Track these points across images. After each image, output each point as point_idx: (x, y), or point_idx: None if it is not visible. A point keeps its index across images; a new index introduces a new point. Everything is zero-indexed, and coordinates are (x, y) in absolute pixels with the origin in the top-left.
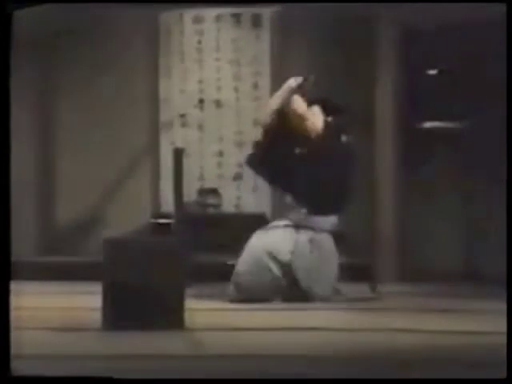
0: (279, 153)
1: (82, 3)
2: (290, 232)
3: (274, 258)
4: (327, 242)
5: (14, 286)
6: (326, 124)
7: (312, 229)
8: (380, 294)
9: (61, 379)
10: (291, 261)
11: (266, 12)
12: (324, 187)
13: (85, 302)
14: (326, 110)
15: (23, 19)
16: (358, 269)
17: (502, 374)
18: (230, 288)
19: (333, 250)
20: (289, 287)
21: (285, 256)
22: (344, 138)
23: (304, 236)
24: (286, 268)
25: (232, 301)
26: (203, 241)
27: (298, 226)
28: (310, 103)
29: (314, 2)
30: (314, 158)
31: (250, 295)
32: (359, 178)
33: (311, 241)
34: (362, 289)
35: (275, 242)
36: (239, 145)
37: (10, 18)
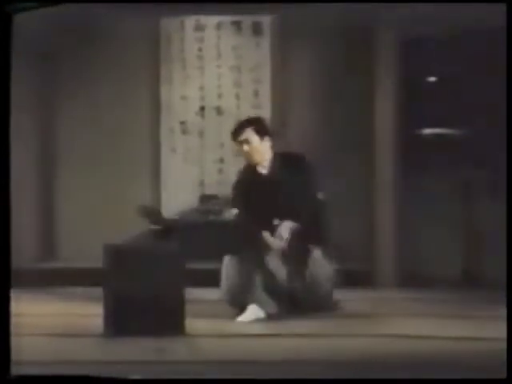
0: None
1: (82, 4)
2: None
3: (267, 271)
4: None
5: (15, 293)
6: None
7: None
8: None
9: (61, 379)
10: (284, 273)
11: (267, 19)
12: (292, 208)
13: (86, 308)
14: (261, 130)
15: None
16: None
17: (502, 375)
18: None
19: (324, 259)
20: (285, 299)
21: (278, 271)
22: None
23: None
24: (280, 281)
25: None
26: (204, 247)
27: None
28: (244, 124)
29: (315, 2)
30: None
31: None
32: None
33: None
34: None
35: (267, 256)
36: (239, 152)
37: (10, 19)
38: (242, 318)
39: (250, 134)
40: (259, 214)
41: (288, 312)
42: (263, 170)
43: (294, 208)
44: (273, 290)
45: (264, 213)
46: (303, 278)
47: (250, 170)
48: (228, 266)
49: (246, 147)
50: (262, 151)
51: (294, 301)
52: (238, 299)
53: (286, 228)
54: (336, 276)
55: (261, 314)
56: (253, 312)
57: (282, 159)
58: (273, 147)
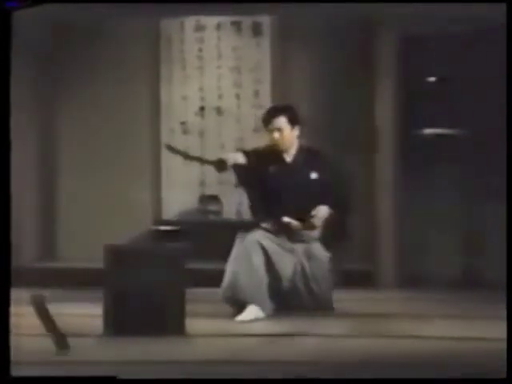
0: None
1: (82, 4)
2: (285, 244)
3: (272, 272)
4: (319, 250)
5: (15, 293)
6: (300, 142)
7: (303, 239)
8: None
9: (61, 379)
10: (289, 272)
11: (267, 20)
12: (305, 199)
13: (86, 308)
14: (293, 119)
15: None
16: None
17: (502, 375)
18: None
19: (325, 258)
20: (287, 298)
21: (283, 270)
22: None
23: (300, 248)
24: (284, 280)
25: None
26: (204, 247)
27: (292, 240)
28: (277, 112)
29: (315, 2)
30: (292, 173)
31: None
32: (355, 187)
33: (305, 251)
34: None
35: (276, 256)
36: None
37: (9, 17)
38: (241, 318)
39: (282, 122)
40: (277, 200)
41: (288, 311)
42: (288, 157)
43: (317, 197)
44: (276, 289)
45: (283, 199)
46: (306, 277)
47: (275, 155)
48: (235, 261)
49: (276, 135)
50: (291, 140)
51: (295, 300)
52: (239, 297)
53: (324, 210)
54: (335, 276)
55: (260, 313)
56: (252, 312)
57: (308, 151)
58: (299, 137)
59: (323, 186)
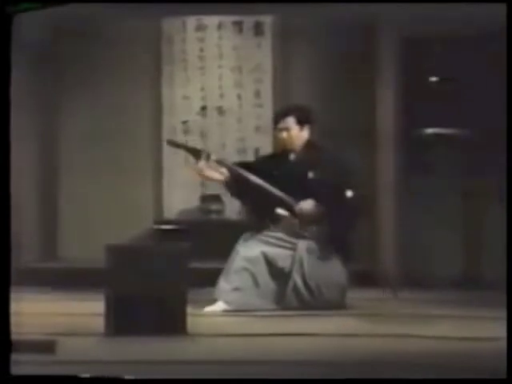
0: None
1: (83, 4)
2: (288, 242)
3: (274, 269)
4: (325, 249)
5: (15, 293)
6: (308, 141)
7: (308, 238)
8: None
9: (61, 379)
10: (291, 270)
11: (268, 20)
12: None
13: (87, 308)
14: (302, 119)
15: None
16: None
17: (502, 375)
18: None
19: (331, 257)
20: (290, 296)
21: (284, 266)
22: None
23: (302, 245)
24: (287, 278)
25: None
26: (205, 247)
27: (294, 236)
28: (286, 112)
29: (315, 2)
30: (299, 170)
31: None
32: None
33: (308, 249)
34: (367, 294)
35: (274, 252)
36: (241, 152)
37: (10, 19)
38: (208, 309)
39: (290, 122)
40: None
41: (288, 310)
42: (294, 156)
43: (315, 196)
44: (276, 287)
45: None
46: (305, 274)
47: (280, 155)
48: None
49: (284, 134)
50: (300, 139)
51: (295, 298)
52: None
53: (307, 205)
54: (347, 276)
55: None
56: (220, 305)
57: (314, 149)
58: (311, 134)
59: (321, 185)
